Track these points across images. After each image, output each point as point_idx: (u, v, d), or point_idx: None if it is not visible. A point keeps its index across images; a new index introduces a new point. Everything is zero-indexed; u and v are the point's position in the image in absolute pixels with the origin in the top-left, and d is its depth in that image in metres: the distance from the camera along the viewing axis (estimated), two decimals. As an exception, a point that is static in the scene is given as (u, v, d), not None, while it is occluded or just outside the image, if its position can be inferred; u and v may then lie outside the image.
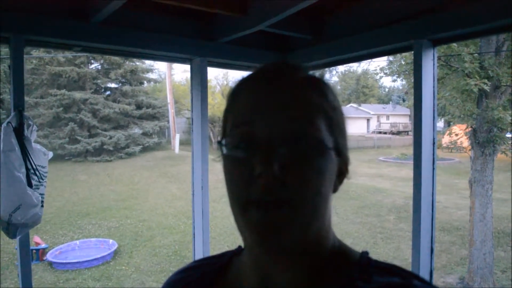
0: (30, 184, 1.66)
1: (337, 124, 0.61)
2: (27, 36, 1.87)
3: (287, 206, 0.54)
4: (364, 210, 12.33)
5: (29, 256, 1.83)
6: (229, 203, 0.60)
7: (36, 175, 1.70)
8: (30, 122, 1.76)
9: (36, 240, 9.16)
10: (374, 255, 0.65)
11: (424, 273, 1.86)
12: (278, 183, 0.54)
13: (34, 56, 20.57)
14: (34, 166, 1.69)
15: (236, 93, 0.63)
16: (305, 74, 0.63)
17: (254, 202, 0.55)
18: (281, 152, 0.55)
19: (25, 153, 1.66)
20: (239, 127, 0.59)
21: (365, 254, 0.64)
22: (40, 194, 1.70)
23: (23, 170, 1.64)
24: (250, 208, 0.55)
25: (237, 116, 0.60)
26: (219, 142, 0.61)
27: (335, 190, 0.63)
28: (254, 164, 0.54)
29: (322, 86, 0.62)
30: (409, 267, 1.87)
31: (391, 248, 9.48)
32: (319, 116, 0.58)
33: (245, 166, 0.56)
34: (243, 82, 0.64)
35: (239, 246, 0.74)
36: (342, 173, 0.63)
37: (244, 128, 0.58)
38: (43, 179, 1.75)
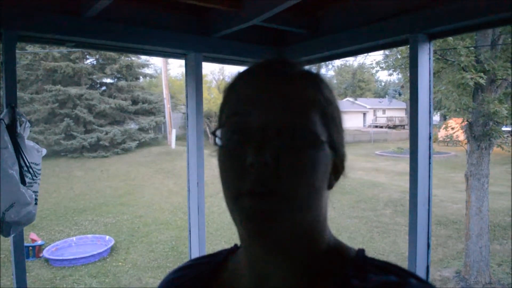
0: (23, 182, 1.64)
1: (332, 119, 0.61)
2: (19, 31, 1.84)
3: (278, 197, 0.54)
4: (361, 204, 12.37)
5: (23, 254, 1.82)
6: (223, 193, 0.60)
7: (29, 172, 1.69)
8: (23, 118, 1.74)
9: (33, 237, 9.13)
10: (371, 249, 0.65)
11: (420, 267, 1.87)
12: (270, 174, 0.54)
13: (29, 52, 20.42)
14: (27, 164, 1.68)
15: (232, 86, 0.64)
16: (302, 69, 0.63)
17: (246, 192, 0.55)
18: (274, 143, 0.55)
19: (18, 151, 1.64)
20: (233, 117, 0.59)
21: (361, 251, 0.63)
22: (34, 192, 1.69)
23: (16, 167, 1.62)
24: (242, 198, 0.55)
25: (232, 107, 0.61)
26: (213, 133, 0.61)
27: (330, 186, 0.62)
28: (247, 154, 0.54)
29: (318, 81, 0.62)
30: (405, 261, 1.88)
31: (388, 242, 9.52)
32: (314, 109, 0.58)
33: (238, 156, 0.56)
34: (239, 76, 0.64)
35: (235, 245, 0.74)
36: (337, 169, 0.63)
37: (238, 118, 0.58)
38: (36, 177, 1.73)
